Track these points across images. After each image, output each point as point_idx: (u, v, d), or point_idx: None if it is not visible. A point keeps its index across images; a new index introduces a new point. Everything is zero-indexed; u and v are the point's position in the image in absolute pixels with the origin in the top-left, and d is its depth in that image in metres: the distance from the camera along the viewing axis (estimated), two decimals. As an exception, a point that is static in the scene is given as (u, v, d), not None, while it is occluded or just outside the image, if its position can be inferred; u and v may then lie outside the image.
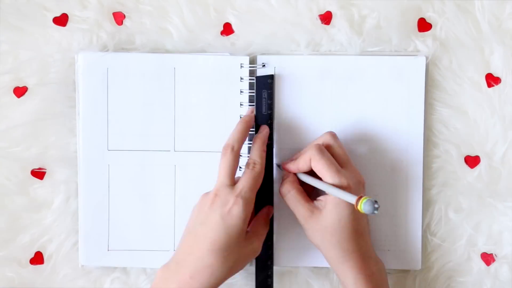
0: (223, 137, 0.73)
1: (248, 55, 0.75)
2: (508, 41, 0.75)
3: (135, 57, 0.74)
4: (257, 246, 0.69)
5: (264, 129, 0.73)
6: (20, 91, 0.75)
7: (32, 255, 0.76)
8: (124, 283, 0.76)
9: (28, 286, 0.76)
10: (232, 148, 0.68)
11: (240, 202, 0.66)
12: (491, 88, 0.75)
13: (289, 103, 0.75)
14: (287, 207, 0.72)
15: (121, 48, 0.75)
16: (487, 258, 0.76)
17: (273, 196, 0.74)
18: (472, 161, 0.75)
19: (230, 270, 0.66)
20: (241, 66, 0.74)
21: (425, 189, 0.76)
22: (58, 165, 0.76)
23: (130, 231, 0.75)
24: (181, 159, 0.75)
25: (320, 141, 0.70)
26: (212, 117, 0.75)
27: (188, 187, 0.75)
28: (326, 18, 0.75)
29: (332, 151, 0.70)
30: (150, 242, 0.75)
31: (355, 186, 0.68)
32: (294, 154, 0.73)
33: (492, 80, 0.75)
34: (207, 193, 0.68)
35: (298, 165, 0.70)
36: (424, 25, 0.75)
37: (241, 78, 0.74)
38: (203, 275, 0.65)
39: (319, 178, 0.69)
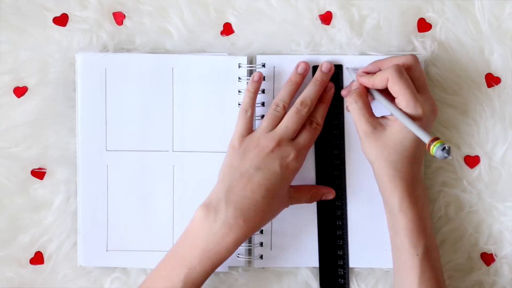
0: (222, 137, 0.74)
1: (248, 55, 0.75)
2: (508, 41, 0.75)
3: (133, 58, 0.74)
4: (288, 204, 0.71)
5: (331, 89, 0.73)
6: (20, 91, 0.75)
7: (32, 255, 0.76)
8: (124, 283, 0.76)
9: (28, 286, 0.76)
10: (284, 107, 0.71)
11: (299, 158, 0.68)
12: (491, 88, 0.75)
13: None
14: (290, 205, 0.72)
15: (121, 48, 0.75)
16: (487, 258, 0.76)
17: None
18: (472, 161, 0.75)
19: (270, 219, 0.69)
20: (239, 66, 0.74)
21: (429, 190, 0.76)
22: (58, 165, 0.76)
23: (128, 231, 0.75)
24: (180, 159, 0.75)
25: (400, 61, 0.68)
26: (210, 117, 0.75)
27: (187, 187, 0.75)
28: (326, 18, 0.75)
29: (412, 74, 0.68)
30: (148, 242, 0.75)
31: (428, 114, 0.67)
32: (369, 65, 0.71)
33: (492, 80, 0.75)
34: (262, 137, 0.69)
35: (374, 81, 0.68)
36: (424, 25, 0.75)
37: (239, 78, 0.74)
38: (256, 220, 0.67)
39: (391, 98, 0.68)
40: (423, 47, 0.75)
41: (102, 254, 0.75)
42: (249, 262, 0.76)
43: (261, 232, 0.75)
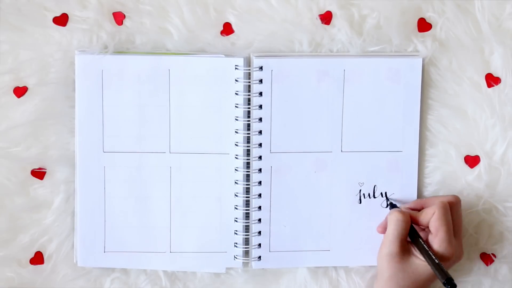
0: (218, 139, 0.74)
1: (248, 55, 0.75)
2: (508, 41, 0.75)
3: (130, 59, 0.74)
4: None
5: None
6: (20, 91, 0.75)
7: (32, 255, 0.76)
8: (124, 283, 0.76)
9: (28, 286, 0.76)
10: None
11: None
12: (491, 88, 0.75)
13: (285, 106, 0.75)
14: (284, 208, 0.73)
15: (121, 48, 0.75)
16: (487, 258, 0.76)
17: None
18: (472, 161, 0.76)
19: None
20: (236, 68, 0.74)
21: (425, 189, 0.76)
22: (58, 165, 0.76)
23: (126, 232, 0.75)
24: (177, 160, 0.75)
25: (445, 200, 0.70)
26: (207, 118, 0.75)
27: (184, 189, 0.75)
28: (326, 18, 0.75)
29: (452, 215, 0.70)
30: (146, 243, 0.75)
31: (455, 259, 0.69)
32: (413, 202, 0.73)
33: (492, 80, 0.75)
34: None
35: (419, 216, 0.70)
36: (424, 25, 0.75)
37: (236, 80, 0.74)
38: None
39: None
40: (423, 47, 0.75)
41: (99, 255, 0.75)
42: (247, 264, 0.76)
43: (259, 233, 0.75)
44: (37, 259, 0.76)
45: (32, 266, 0.76)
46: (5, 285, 0.75)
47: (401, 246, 0.69)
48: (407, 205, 0.73)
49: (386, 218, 0.73)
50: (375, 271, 0.76)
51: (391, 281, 0.69)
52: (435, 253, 0.67)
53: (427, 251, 0.67)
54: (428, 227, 0.70)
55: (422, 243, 0.68)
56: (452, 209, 0.70)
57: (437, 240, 0.68)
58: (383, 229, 0.73)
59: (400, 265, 0.69)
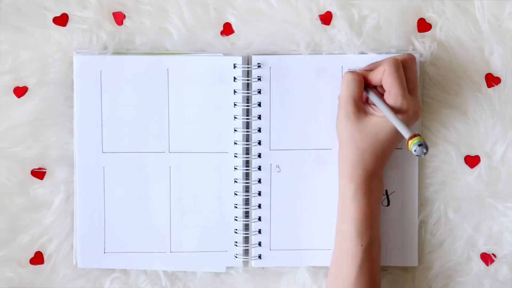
0: (217, 138, 0.74)
1: (248, 55, 0.75)
2: (508, 41, 0.75)
3: (128, 59, 0.74)
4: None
5: None
6: (20, 91, 0.75)
7: (32, 255, 0.76)
8: (124, 283, 0.76)
9: (28, 286, 0.76)
10: None
11: None
12: (491, 88, 0.75)
13: (284, 103, 0.75)
14: (284, 206, 0.73)
15: (121, 48, 0.75)
16: (487, 258, 0.76)
17: None
18: (472, 161, 0.75)
19: None
20: (235, 66, 0.74)
21: (425, 189, 0.76)
22: (58, 165, 0.76)
23: (126, 233, 0.75)
24: (176, 160, 0.75)
25: (398, 58, 0.69)
26: (206, 117, 0.75)
27: (183, 188, 0.75)
28: (326, 18, 0.75)
29: (406, 73, 0.69)
30: (146, 244, 0.75)
31: (411, 115, 0.68)
32: (369, 64, 0.72)
33: (492, 80, 0.75)
34: None
35: (371, 75, 0.69)
36: (424, 26, 0.75)
37: (235, 78, 0.74)
38: None
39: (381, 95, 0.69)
40: (423, 47, 0.75)
41: (99, 256, 0.75)
42: (247, 263, 0.76)
43: (259, 231, 0.75)
44: (37, 259, 0.76)
45: (32, 266, 0.76)
46: (5, 285, 0.75)
47: (356, 106, 0.69)
48: (364, 67, 0.72)
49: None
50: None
51: (350, 144, 0.69)
52: (391, 108, 0.67)
53: (383, 102, 0.67)
54: (382, 86, 0.69)
55: (376, 96, 0.68)
56: (406, 66, 0.69)
57: (391, 96, 0.67)
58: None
59: (357, 125, 0.68)
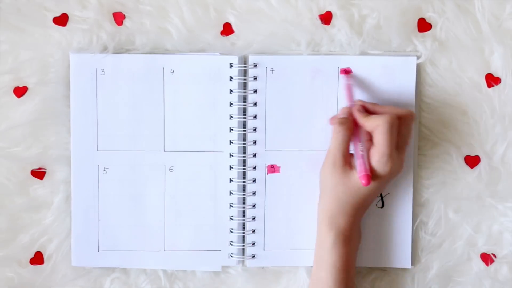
0: (213, 137, 0.74)
1: (247, 55, 0.75)
2: (508, 41, 0.75)
3: (124, 58, 0.74)
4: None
5: None
6: (20, 91, 0.75)
7: (32, 255, 0.76)
8: (124, 283, 0.76)
9: (28, 286, 0.76)
10: None
11: None
12: (491, 88, 0.75)
13: (280, 103, 0.75)
14: (278, 206, 0.74)
15: (121, 48, 0.75)
16: (487, 258, 0.76)
17: None
18: (472, 161, 0.75)
19: None
20: (231, 66, 0.74)
21: (425, 189, 0.76)
22: (58, 165, 0.76)
23: (120, 231, 0.75)
24: (171, 159, 0.75)
25: (398, 113, 0.69)
26: (201, 117, 0.75)
27: (178, 187, 0.75)
28: (326, 18, 0.75)
29: (401, 128, 0.69)
30: (140, 242, 0.76)
31: (393, 173, 0.69)
32: (371, 104, 0.72)
33: (492, 80, 0.75)
34: None
35: (366, 122, 0.69)
36: (424, 25, 0.75)
37: (231, 78, 0.74)
38: None
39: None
40: (423, 47, 0.75)
41: (94, 254, 0.75)
42: (242, 262, 0.76)
43: (253, 231, 0.75)
44: (37, 259, 0.76)
45: (32, 266, 0.76)
46: (5, 285, 0.75)
47: (343, 159, 0.69)
48: (364, 104, 0.72)
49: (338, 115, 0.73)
50: (378, 273, 0.76)
51: (332, 194, 0.69)
52: (373, 166, 0.67)
53: (360, 155, 0.68)
54: (372, 134, 0.69)
55: (359, 150, 0.68)
56: (403, 122, 0.69)
57: (377, 154, 0.67)
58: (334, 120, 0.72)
59: (341, 177, 0.68)
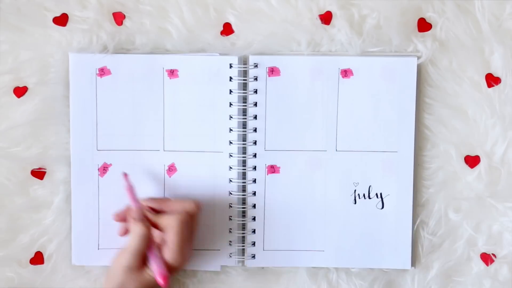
0: (212, 137, 0.74)
1: (248, 55, 0.75)
2: (508, 41, 0.75)
3: (124, 58, 0.74)
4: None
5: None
6: (20, 91, 0.75)
7: (32, 255, 0.76)
8: (124, 283, 0.76)
9: (28, 286, 0.76)
10: None
11: None
12: (491, 88, 0.75)
13: (280, 103, 0.75)
14: (278, 207, 0.74)
15: (121, 48, 0.75)
16: (487, 258, 0.76)
17: None
18: (472, 161, 0.75)
19: None
20: (231, 66, 0.74)
21: (425, 189, 0.76)
22: (58, 165, 0.76)
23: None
24: (171, 158, 0.75)
25: (185, 208, 0.70)
26: (201, 117, 0.75)
27: (178, 187, 0.75)
28: (326, 18, 0.75)
29: (191, 221, 0.70)
30: None
31: (182, 263, 0.70)
32: (157, 200, 0.73)
33: (492, 80, 0.75)
34: None
35: (157, 221, 0.70)
36: (424, 25, 0.75)
37: (231, 78, 0.74)
38: None
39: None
40: (423, 47, 0.75)
41: (93, 252, 0.75)
42: (242, 262, 0.76)
43: (254, 231, 0.75)
44: (37, 259, 0.76)
45: (32, 266, 0.76)
46: (5, 285, 0.75)
47: (140, 260, 0.69)
48: (151, 200, 0.72)
49: (126, 213, 0.73)
50: (376, 274, 0.76)
51: None
52: (168, 262, 0.68)
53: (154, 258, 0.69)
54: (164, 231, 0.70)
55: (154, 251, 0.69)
56: (193, 217, 0.71)
57: (170, 251, 0.68)
58: (120, 219, 0.73)
59: (133, 275, 0.68)
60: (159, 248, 0.69)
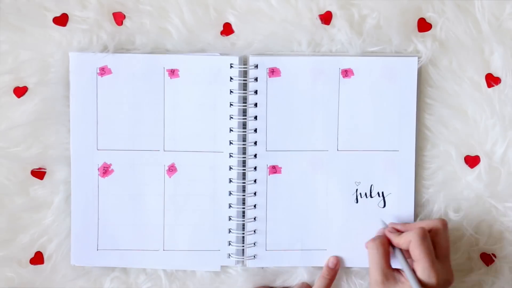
0: (213, 137, 0.74)
1: (248, 55, 0.75)
2: (508, 41, 0.75)
3: (124, 58, 0.74)
4: None
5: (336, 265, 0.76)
6: (20, 91, 0.75)
7: (32, 255, 0.76)
8: (123, 282, 0.76)
9: (28, 286, 0.76)
10: None
11: None
12: (491, 88, 0.75)
13: (280, 104, 0.75)
14: (279, 207, 0.73)
15: (121, 48, 0.75)
16: (487, 259, 0.76)
17: None
18: (472, 161, 0.75)
19: None
20: (231, 66, 0.74)
21: (425, 189, 0.76)
22: (58, 165, 0.76)
23: (119, 230, 0.75)
24: (171, 158, 0.75)
25: (428, 225, 0.70)
26: (201, 117, 0.75)
27: (177, 187, 0.75)
28: (326, 18, 0.75)
29: (436, 239, 0.69)
30: (139, 241, 0.76)
31: (442, 283, 0.68)
32: (400, 224, 0.73)
33: (492, 80, 0.75)
34: None
35: (399, 241, 0.70)
36: (424, 25, 0.75)
37: (231, 78, 0.74)
38: None
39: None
40: (423, 47, 0.75)
41: (93, 253, 0.75)
42: (241, 262, 0.76)
43: (255, 232, 0.75)
44: (37, 259, 0.76)
45: (32, 266, 0.76)
46: (5, 285, 0.75)
47: (384, 275, 0.69)
48: (395, 225, 0.73)
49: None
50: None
51: None
52: (418, 280, 0.67)
53: (408, 268, 0.68)
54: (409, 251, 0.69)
55: (406, 269, 0.68)
56: (437, 232, 0.70)
57: (419, 267, 0.67)
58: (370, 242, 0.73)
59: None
60: (412, 267, 0.68)
